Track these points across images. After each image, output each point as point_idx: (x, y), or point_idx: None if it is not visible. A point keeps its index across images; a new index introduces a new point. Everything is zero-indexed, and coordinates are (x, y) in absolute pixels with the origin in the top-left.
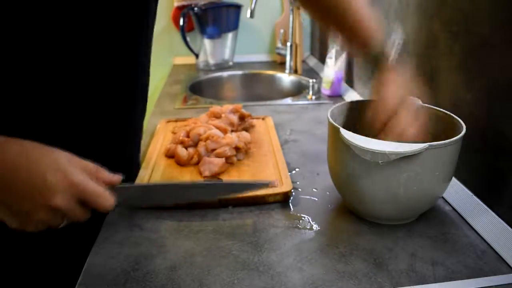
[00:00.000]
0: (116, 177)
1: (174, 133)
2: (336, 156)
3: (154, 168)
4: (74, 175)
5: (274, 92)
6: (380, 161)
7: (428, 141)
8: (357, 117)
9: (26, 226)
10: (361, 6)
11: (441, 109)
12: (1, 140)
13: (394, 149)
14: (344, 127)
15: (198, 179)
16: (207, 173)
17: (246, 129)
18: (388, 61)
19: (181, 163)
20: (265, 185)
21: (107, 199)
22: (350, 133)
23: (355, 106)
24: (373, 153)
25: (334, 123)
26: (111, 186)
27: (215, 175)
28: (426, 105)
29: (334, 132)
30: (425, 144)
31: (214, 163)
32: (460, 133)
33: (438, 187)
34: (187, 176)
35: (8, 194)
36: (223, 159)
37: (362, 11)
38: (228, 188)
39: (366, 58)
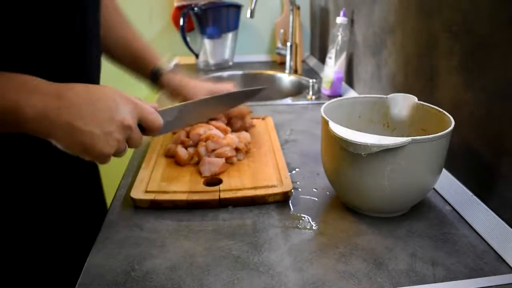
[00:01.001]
0: (154, 105)
1: (174, 133)
2: (327, 149)
3: (154, 168)
4: (131, 97)
5: (274, 92)
6: (363, 153)
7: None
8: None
9: (107, 148)
10: (139, 38)
11: (433, 106)
12: (57, 87)
13: (376, 141)
14: (339, 123)
15: (198, 180)
16: (207, 173)
17: (246, 129)
18: (166, 72)
19: (181, 163)
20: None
21: (158, 117)
22: (338, 125)
23: (350, 102)
24: (356, 145)
25: (325, 116)
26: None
27: (215, 175)
28: (420, 102)
29: (325, 125)
30: (408, 138)
31: (214, 164)
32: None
33: (425, 180)
34: (187, 176)
35: (92, 120)
36: (223, 159)
37: (141, 42)
38: (242, 95)
39: (148, 75)
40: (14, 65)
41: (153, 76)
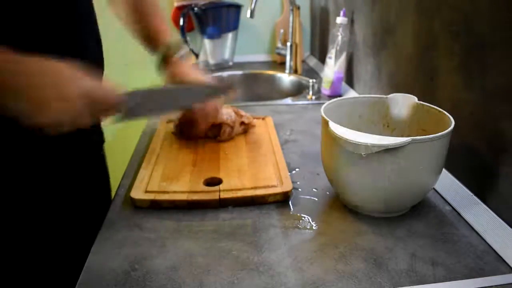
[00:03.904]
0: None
1: (174, 133)
2: (327, 149)
3: (154, 168)
4: (84, 74)
5: (274, 92)
6: (363, 153)
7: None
8: (352, 113)
9: (44, 116)
10: (160, 14)
11: (433, 106)
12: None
13: (376, 141)
14: (339, 123)
15: (198, 180)
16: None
17: (246, 130)
18: (173, 58)
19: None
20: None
21: (114, 95)
22: (338, 125)
23: (350, 102)
24: (356, 145)
25: (325, 116)
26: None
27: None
28: (420, 102)
29: (324, 125)
30: (408, 138)
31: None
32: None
33: (424, 180)
34: (187, 176)
35: (35, 86)
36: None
37: (161, 18)
38: (213, 90)
39: (157, 53)
40: None
41: (160, 60)
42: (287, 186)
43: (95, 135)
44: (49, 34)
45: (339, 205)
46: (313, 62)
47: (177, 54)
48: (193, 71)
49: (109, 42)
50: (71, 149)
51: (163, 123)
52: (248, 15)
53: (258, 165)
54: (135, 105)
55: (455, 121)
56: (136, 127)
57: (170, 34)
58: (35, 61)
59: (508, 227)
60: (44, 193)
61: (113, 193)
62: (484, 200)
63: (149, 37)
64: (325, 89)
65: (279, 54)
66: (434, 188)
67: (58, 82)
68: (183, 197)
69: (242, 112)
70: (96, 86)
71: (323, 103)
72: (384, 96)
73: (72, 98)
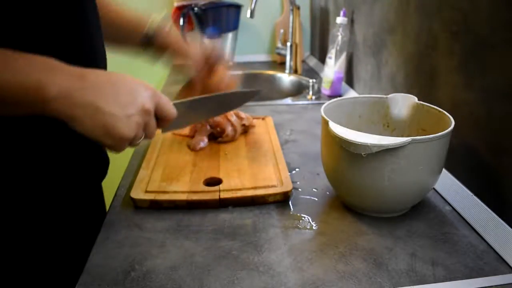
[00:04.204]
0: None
1: (174, 133)
2: (327, 149)
3: (154, 168)
4: (149, 85)
5: (274, 92)
6: (363, 153)
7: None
8: (352, 113)
9: (127, 131)
10: (123, 11)
11: (433, 106)
12: (79, 69)
13: (376, 141)
14: (339, 123)
15: (198, 180)
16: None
17: (245, 130)
18: (165, 31)
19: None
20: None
21: (173, 107)
22: (338, 126)
23: (350, 102)
24: (356, 145)
25: (325, 116)
26: None
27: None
28: (420, 102)
29: (325, 125)
30: (408, 138)
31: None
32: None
33: (424, 180)
34: (187, 176)
35: (115, 101)
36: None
37: (125, 12)
38: (243, 95)
39: (141, 43)
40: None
41: (147, 42)
42: (287, 186)
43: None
44: (58, 35)
45: (339, 205)
46: (313, 62)
47: (159, 25)
48: (225, 78)
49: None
50: (73, 150)
51: None
52: (248, 15)
53: (258, 165)
54: (179, 116)
55: (455, 121)
56: None
57: (142, 18)
58: (99, 74)
59: (508, 227)
60: (44, 192)
61: (112, 194)
62: (484, 200)
63: (127, 34)
64: (325, 89)
65: (279, 54)
66: (434, 188)
67: (134, 91)
68: (183, 197)
69: (242, 114)
70: (161, 99)
71: (323, 103)
72: (384, 96)
73: (148, 108)
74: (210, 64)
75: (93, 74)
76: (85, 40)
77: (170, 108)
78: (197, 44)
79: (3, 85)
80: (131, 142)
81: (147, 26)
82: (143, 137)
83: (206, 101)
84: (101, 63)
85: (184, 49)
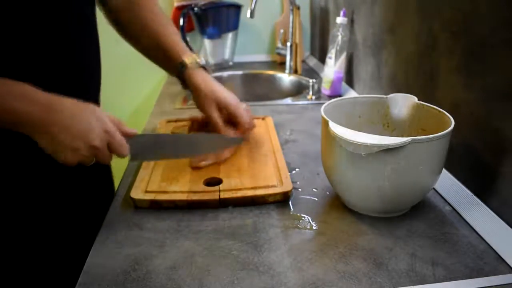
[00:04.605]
0: (133, 131)
1: (174, 133)
2: (327, 149)
3: (154, 168)
4: (107, 124)
5: (274, 92)
6: (363, 153)
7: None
8: (352, 113)
9: (70, 159)
10: (171, 32)
11: (433, 106)
12: (49, 98)
13: (376, 141)
14: (339, 123)
15: (198, 180)
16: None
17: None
18: (194, 68)
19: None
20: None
21: (124, 149)
22: (338, 125)
23: (350, 102)
24: (356, 145)
25: (325, 116)
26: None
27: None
28: (420, 102)
29: (324, 125)
30: (408, 138)
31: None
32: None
33: (424, 181)
34: (187, 176)
35: (67, 134)
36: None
37: (173, 37)
38: (223, 141)
39: (175, 71)
40: (12, 68)
41: (179, 72)
42: (287, 186)
43: None
44: (47, 38)
45: (339, 205)
46: (313, 62)
47: (196, 62)
48: (220, 92)
49: (108, 42)
50: None
51: (163, 123)
52: (248, 15)
53: (258, 165)
54: (138, 151)
55: (455, 121)
56: (136, 128)
57: (185, 51)
58: (66, 107)
59: (508, 227)
60: (44, 192)
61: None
62: (484, 200)
63: (166, 58)
64: (325, 89)
65: (279, 54)
66: (434, 188)
67: (86, 129)
68: (183, 197)
69: None
70: (115, 139)
71: (323, 103)
72: (384, 96)
73: (95, 145)
74: (224, 116)
75: (59, 105)
76: (66, 53)
77: (120, 149)
78: (213, 96)
79: None
80: (81, 163)
81: (178, 62)
82: (93, 161)
83: (175, 139)
84: (90, 75)
85: (201, 99)
